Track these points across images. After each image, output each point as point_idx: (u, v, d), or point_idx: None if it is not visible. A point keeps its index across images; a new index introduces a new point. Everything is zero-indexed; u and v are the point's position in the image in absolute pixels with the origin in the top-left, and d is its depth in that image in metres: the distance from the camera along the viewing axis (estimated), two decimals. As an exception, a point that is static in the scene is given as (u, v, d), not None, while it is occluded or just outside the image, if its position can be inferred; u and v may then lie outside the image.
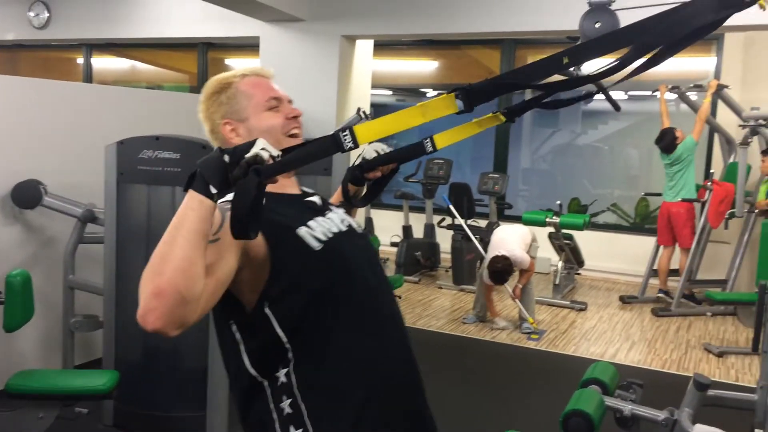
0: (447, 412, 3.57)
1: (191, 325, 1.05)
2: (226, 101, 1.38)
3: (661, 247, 6.31)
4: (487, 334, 5.27)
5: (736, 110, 6.16)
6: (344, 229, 1.38)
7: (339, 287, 1.28)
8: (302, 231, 1.27)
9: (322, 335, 1.25)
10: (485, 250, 5.57)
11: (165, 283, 1.00)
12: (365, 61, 6.87)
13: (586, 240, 6.71)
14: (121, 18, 7.61)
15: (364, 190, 1.55)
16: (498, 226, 5.90)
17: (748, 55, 6.85)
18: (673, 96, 6.42)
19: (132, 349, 3.36)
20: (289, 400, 1.23)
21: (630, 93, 8.07)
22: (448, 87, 1.32)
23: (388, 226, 7.55)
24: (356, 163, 1.49)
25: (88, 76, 9.17)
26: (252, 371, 1.26)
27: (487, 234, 6.06)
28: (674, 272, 6.20)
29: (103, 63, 9.44)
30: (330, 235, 1.31)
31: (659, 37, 0.99)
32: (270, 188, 1.07)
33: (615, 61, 1.03)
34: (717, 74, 6.92)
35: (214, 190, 1.05)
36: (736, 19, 1.05)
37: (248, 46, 7.62)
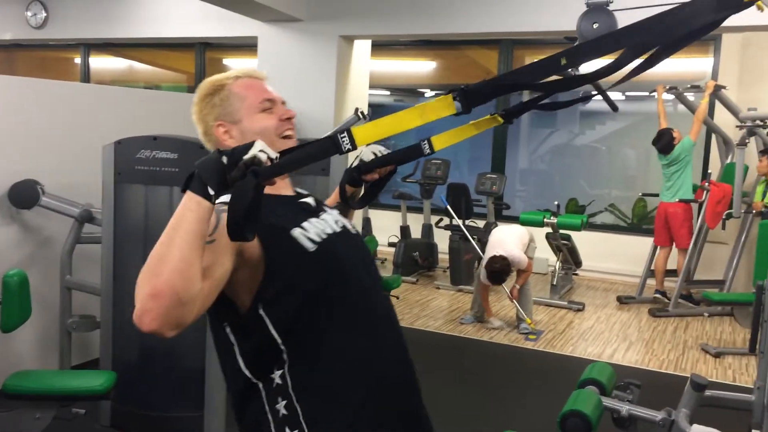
0: (444, 413, 3.57)
1: (187, 325, 1.05)
2: (219, 103, 1.38)
3: (659, 247, 6.32)
4: (484, 334, 5.27)
5: (734, 111, 6.16)
6: (338, 230, 1.38)
7: (333, 288, 1.28)
8: (296, 232, 1.27)
9: (316, 336, 1.25)
10: (483, 251, 5.57)
11: (162, 285, 1.00)
12: (363, 61, 6.87)
13: (583, 240, 6.71)
14: (118, 18, 7.60)
15: (362, 192, 1.55)
16: (496, 226, 5.90)
17: (746, 56, 6.86)
18: (671, 96, 6.43)
19: (129, 349, 3.35)
20: (285, 402, 1.23)
21: (627, 94, 8.07)
22: (445, 87, 1.32)
23: (385, 227, 7.56)
24: (354, 165, 1.49)
25: (86, 76, 9.16)
26: (247, 373, 1.26)
27: (485, 234, 6.07)
28: (671, 273, 6.20)
29: (100, 63, 9.42)
30: (324, 236, 1.31)
31: (658, 38, 0.99)
32: (265, 190, 1.07)
33: (612, 62, 1.03)
34: (714, 75, 6.92)
35: (212, 192, 1.04)
36: (733, 20, 1.05)
37: (246, 46, 7.61)
